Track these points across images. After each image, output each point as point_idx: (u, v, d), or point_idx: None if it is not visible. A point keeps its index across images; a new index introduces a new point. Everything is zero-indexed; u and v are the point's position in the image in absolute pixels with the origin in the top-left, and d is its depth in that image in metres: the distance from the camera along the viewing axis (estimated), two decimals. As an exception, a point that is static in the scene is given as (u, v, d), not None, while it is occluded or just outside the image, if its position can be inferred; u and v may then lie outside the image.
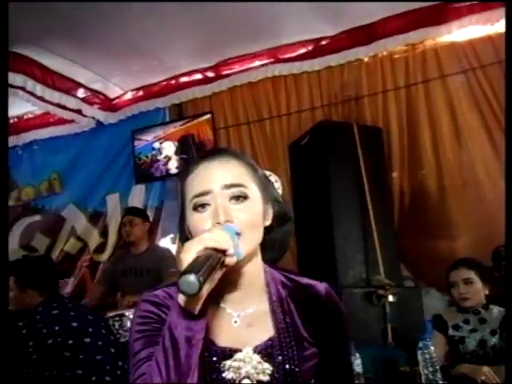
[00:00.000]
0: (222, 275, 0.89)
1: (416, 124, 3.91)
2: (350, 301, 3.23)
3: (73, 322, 2.40)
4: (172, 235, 4.47)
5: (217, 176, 0.97)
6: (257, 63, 4.24)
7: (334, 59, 4.02)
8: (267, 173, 1.14)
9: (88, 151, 4.88)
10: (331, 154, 3.59)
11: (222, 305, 1.02)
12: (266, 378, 0.99)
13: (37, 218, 5.06)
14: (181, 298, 0.86)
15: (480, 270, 2.55)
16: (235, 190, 0.97)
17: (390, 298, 3.14)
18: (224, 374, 0.99)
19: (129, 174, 4.71)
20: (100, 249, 4.70)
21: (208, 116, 4.42)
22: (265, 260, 1.07)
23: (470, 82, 3.77)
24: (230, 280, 0.99)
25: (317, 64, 4.07)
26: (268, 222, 1.04)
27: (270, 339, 1.01)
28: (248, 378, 0.99)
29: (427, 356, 2.05)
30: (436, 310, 2.97)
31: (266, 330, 1.02)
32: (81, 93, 4.42)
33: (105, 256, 4.63)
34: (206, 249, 0.84)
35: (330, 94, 4.15)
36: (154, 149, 4.57)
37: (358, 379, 2.11)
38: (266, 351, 1.00)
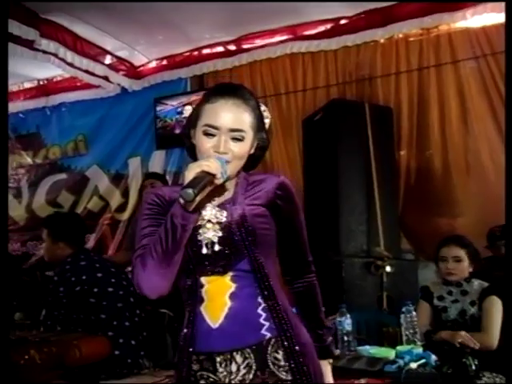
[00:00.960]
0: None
1: (426, 106, 4.03)
2: (351, 269, 3.46)
3: (98, 272, 2.68)
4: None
5: (227, 119, 1.27)
6: (277, 39, 4.36)
7: (350, 39, 4.12)
8: (262, 108, 1.41)
9: (112, 116, 5.07)
10: (342, 131, 3.75)
11: None
12: (223, 220, 1.31)
13: (63, 176, 5.30)
14: (181, 200, 1.19)
15: (469, 250, 2.71)
16: (236, 134, 1.28)
17: (388, 269, 3.33)
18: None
19: (150, 140, 4.90)
20: (121, 208, 4.95)
21: (228, 88, 4.59)
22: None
23: (481, 68, 3.86)
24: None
25: (334, 43, 4.18)
26: (252, 152, 1.36)
27: (227, 199, 1.34)
28: (209, 221, 1.30)
29: (409, 319, 2.31)
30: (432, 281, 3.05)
31: (226, 196, 1.35)
32: (108, 60, 4.61)
33: (125, 215, 4.88)
34: (203, 171, 1.18)
35: (345, 72, 4.27)
36: (178, 113, 4.74)
37: (347, 336, 2.39)
38: (223, 205, 1.33)
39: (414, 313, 2.35)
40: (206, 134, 1.28)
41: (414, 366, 1.99)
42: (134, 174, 4.95)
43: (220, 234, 1.29)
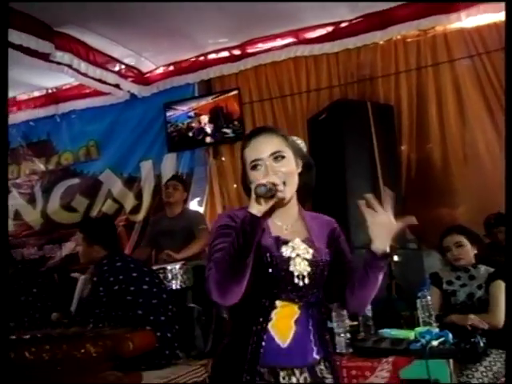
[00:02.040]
0: (275, 205, 1.41)
1: (424, 103, 4.25)
2: (360, 259, 3.70)
3: (133, 272, 2.87)
4: (199, 198, 4.94)
5: (264, 148, 1.51)
6: (280, 43, 4.57)
7: (351, 42, 4.34)
8: (294, 138, 1.66)
9: (123, 121, 5.22)
10: (346, 129, 3.94)
11: (277, 222, 1.55)
12: (309, 257, 1.51)
13: (76, 180, 5.44)
14: (251, 207, 1.36)
15: (468, 234, 2.96)
16: (276, 154, 1.50)
17: (395, 258, 3.50)
18: (283, 253, 1.49)
19: (161, 143, 5.08)
20: (135, 210, 5.12)
21: (235, 92, 4.78)
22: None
23: (476, 66, 4.09)
24: (280, 210, 1.53)
25: (336, 46, 4.40)
26: (299, 170, 1.55)
27: (306, 237, 1.55)
28: (299, 255, 1.50)
29: (424, 303, 2.54)
30: (436, 268, 3.29)
31: (304, 233, 1.57)
32: (117, 68, 4.78)
33: (140, 216, 5.06)
34: (269, 182, 1.35)
35: (346, 74, 4.48)
36: (189, 117, 4.95)
37: (368, 321, 2.61)
38: (307, 242, 1.54)
39: (429, 297, 2.57)
40: (254, 168, 1.50)
41: (435, 343, 2.23)
42: (146, 176, 5.12)
43: (309, 269, 1.50)
